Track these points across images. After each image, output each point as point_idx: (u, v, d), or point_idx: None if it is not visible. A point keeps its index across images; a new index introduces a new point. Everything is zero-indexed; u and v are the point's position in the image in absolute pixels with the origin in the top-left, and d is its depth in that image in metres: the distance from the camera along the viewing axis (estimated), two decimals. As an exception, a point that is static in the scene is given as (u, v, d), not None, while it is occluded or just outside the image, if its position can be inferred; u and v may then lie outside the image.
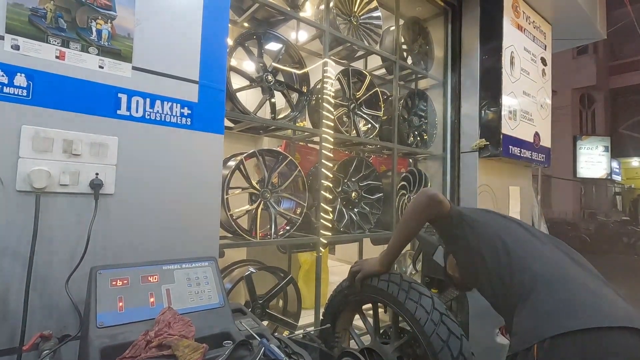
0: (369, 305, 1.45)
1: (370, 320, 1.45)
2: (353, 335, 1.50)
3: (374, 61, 3.01)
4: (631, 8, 7.33)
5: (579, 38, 3.68)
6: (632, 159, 14.98)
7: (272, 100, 2.03)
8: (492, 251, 1.06)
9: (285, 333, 1.94)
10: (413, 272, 2.62)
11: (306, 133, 2.45)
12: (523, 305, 0.94)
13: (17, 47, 1.01)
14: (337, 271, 4.11)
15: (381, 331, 1.44)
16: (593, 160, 12.55)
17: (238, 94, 1.84)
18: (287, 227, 2.04)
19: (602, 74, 14.93)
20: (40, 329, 0.95)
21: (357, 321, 1.54)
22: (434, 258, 1.59)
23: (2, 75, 0.98)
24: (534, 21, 3.10)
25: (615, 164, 13.48)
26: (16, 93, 1.00)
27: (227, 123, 1.77)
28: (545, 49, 3.26)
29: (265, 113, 2.13)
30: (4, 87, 0.99)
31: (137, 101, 1.20)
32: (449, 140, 2.90)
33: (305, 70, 2.15)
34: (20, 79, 1.01)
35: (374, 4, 2.58)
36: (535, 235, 1.11)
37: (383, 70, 2.98)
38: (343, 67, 2.44)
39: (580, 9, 3.04)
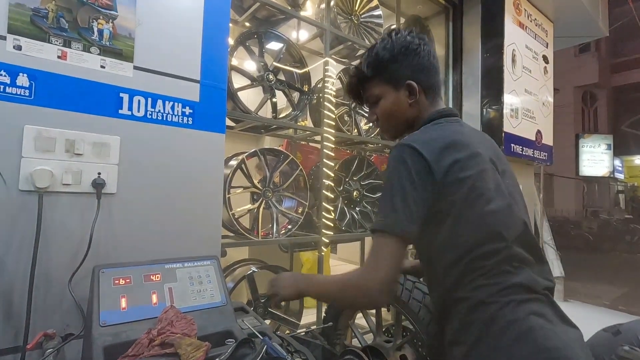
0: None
1: (373, 318, 1.45)
2: (355, 333, 1.50)
3: (375, 60, 3.00)
4: (633, 5, 7.29)
5: (580, 35, 3.67)
6: (635, 157, 14.92)
7: (274, 99, 2.04)
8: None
9: (287, 332, 1.95)
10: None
11: (307, 132, 2.45)
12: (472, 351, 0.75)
13: (19, 47, 1.01)
14: (338, 270, 4.11)
15: (383, 329, 1.44)
16: (595, 158, 12.50)
17: (239, 94, 1.84)
18: (289, 226, 2.04)
19: (605, 72, 14.87)
20: (44, 328, 0.95)
21: (360, 320, 1.54)
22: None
23: (5, 76, 0.99)
24: (535, 19, 3.09)
25: (617, 162, 13.42)
26: (18, 93, 1.01)
27: (228, 122, 1.77)
28: (547, 47, 3.25)
29: (266, 112, 2.13)
30: (7, 87, 0.99)
31: (139, 101, 1.20)
32: (450, 139, 2.89)
33: (306, 69, 2.15)
34: (22, 79, 1.01)
35: (375, 2, 2.58)
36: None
37: (384, 69, 2.98)
38: (344, 66, 2.44)
39: (582, 6, 3.03)
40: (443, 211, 0.78)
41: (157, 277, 1.02)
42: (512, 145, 2.75)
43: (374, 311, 1.45)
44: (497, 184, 0.82)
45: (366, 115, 2.49)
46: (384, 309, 1.45)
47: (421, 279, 1.24)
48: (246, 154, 1.85)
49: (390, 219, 0.78)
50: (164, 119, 1.26)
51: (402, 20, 2.73)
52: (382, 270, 0.76)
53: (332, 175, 2.18)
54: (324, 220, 2.10)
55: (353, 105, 2.42)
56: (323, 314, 1.51)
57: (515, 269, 0.77)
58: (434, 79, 0.96)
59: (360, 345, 1.40)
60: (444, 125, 0.90)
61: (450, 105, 2.93)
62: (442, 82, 1.02)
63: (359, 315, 1.52)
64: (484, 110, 2.76)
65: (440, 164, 0.78)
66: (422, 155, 0.78)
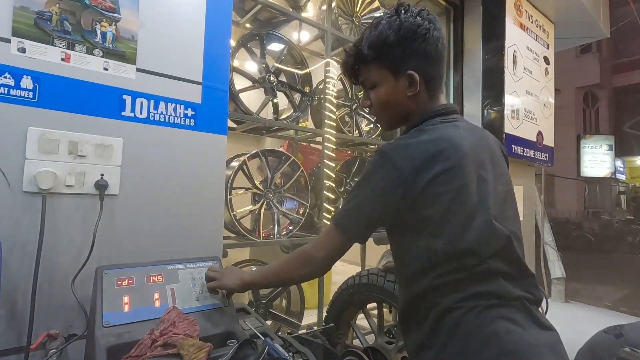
0: (373, 304, 1.45)
1: (375, 319, 1.45)
2: (357, 334, 1.50)
3: (376, 61, 3.01)
4: (634, 6, 7.29)
5: (582, 37, 3.67)
6: (636, 158, 14.88)
7: (275, 100, 2.04)
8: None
9: (288, 332, 1.95)
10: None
11: (308, 133, 2.45)
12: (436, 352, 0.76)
13: (23, 50, 1.02)
14: (339, 271, 4.10)
15: (385, 330, 1.45)
16: (597, 159, 12.46)
17: (241, 95, 1.85)
18: (290, 227, 2.05)
19: (606, 73, 14.87)
20: (47, 328, 0.96)
21: (362, 320, 1.55)
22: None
23: (9, 78, 0.99)
24: (536, 20, 3.09)
25: (619, 163, 13.38)
26: (23, 95, 1.01)
27: (230, 124, 1.77)
28: (548, 48, 3.25)
29: (267, 114, 2.14)
30: (11, 90, 1.00)
31: (141, 102, 1.21)
32: (451, 140, 2.90)
33: (307, 70, 2.16)
34: (26, 82, 1.02)
35: (376, 4, 2.58)
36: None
37: (385, 70, 2.98)
38: (345, 67, 2.44)
39: (583, 8, 3.04)
40: (419, 224, 0.78)
41: (160, 278, 1.02)
42: (513, 146, 2.75)
43: (375, 312, 1.45)
44: (481, 197, 0.78)
45: (367, 116, 2.50)
46: (385, 310, 1.45)
47: None
48: (247, 155, 1.86)
49: (345, 219, 0.84)
50: (166, 120, 1.26)
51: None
52: (324, 252, 0.86)
53: (333, 176, 2.18)
54: (325, 221, 2.10)
55: (354, 107, 2.43)
56: (324, 313, 1.52)
57: (487, 280, 0.76)
58: (438, 70, 0.88)
59: (361, 346, 1.41)
60: (436, 129, 0.83)
61: (451, 107, 2.93)
62: (444, 73, 0.92)
63: (361, 315, 1.52)
64: (485, 111, 2.76)
65: (419, 178, 0.75)
66: (399, 171, 0.76)
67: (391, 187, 0.77)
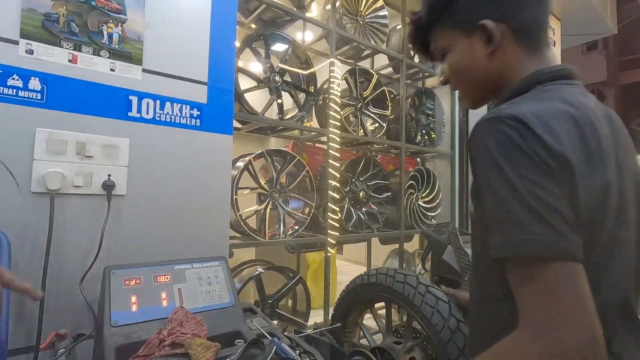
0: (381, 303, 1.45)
1: (383, 319, 1.44)
2: (365, 333, 1.50)
3: (381, 60, 3.00)
4: (642, 2, 7.19)
5: (588, 34, 3.63)
6: (645, 156, 14.70)
7: (280, 100, 2.04)
8: None
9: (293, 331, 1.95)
10: (422, 272, 2.60)
11: (313, 133, 2.45)
12: None
13: (31, 52, 1.03)
14: (345, 271, 4.11)
15: (392, 329, 1.44)
16: (604, 157, 12.33)
17: (246, 95, 1.85)
18: (296, 227, 2.04)
19: (613, 70, 14.70)
20: (56, 328, 0.96)
21: (368, 320, 1.54)
22: (444, 257, 1.58)
23: (17, 79, 1.00)
24: (542, 17, 3.07)
25: (627, 161, 13.22)
26: (31, 97, 1.02)
27: (235, 124, 1.78)
28: (554, 45, 3.22)
29: (272, 113, 2.14)
30: (19, 91, 1.01)
31: (148, 103, 1.22)
32: (457, 139, 2.88)
33: (312, 70, 2.15)
34: (34, 83, 1.03)
35: (380, 3, 2.58)
36: None
37: (390, 69, 2.98)
38: (350, 67, 2.44)
39: (589, 4, 3.00)
40: None
41: (167, 277, 1.03)
42: (520, 144, 2.73)
43: (383, 312, 1.44)
44: (621, 206, 0.54)
45: (372, 115, 2.49)
46: (393, 309, 1.45)
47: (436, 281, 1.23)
48: (253, 155, 1.85)
49: (533, 234, 0.45)
50: (173, 120, 1.27)
51: (408, 20, 2.73)
52: (575, 322, 0.43)
53: (338, 176, 2.18)
54: (330, 220, 2.10)
55: (359, 106, 2.42)
56: (331, 312, 1.52)
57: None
58: (532, 11, 0.60)
59: (369, 345, 1.40)
60: (567, 91, 0.56)
61: (457, 105, 2.90)
62: (548, 20, 0.61)
63: (368, 315, 1.52)
64: (490, 109, 2.74)
65: (582, 164, 0.48)
66: (545, 149, 0.46)
67: (548, 163, 0.47)
